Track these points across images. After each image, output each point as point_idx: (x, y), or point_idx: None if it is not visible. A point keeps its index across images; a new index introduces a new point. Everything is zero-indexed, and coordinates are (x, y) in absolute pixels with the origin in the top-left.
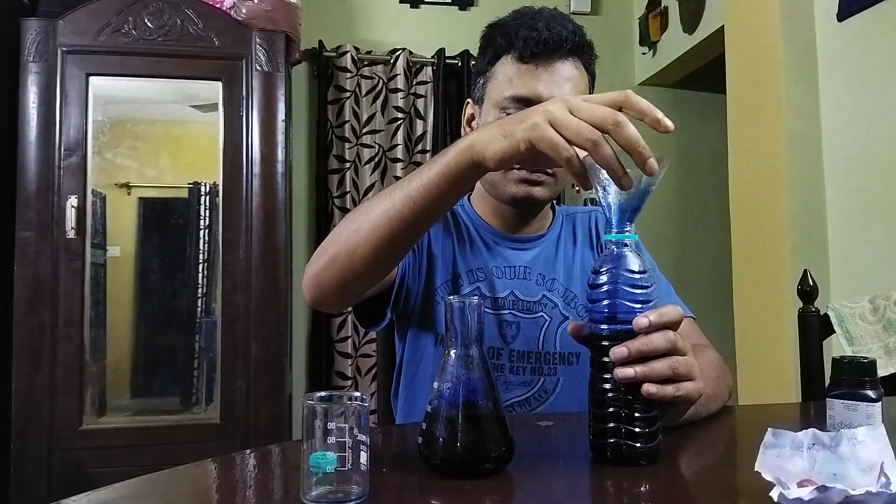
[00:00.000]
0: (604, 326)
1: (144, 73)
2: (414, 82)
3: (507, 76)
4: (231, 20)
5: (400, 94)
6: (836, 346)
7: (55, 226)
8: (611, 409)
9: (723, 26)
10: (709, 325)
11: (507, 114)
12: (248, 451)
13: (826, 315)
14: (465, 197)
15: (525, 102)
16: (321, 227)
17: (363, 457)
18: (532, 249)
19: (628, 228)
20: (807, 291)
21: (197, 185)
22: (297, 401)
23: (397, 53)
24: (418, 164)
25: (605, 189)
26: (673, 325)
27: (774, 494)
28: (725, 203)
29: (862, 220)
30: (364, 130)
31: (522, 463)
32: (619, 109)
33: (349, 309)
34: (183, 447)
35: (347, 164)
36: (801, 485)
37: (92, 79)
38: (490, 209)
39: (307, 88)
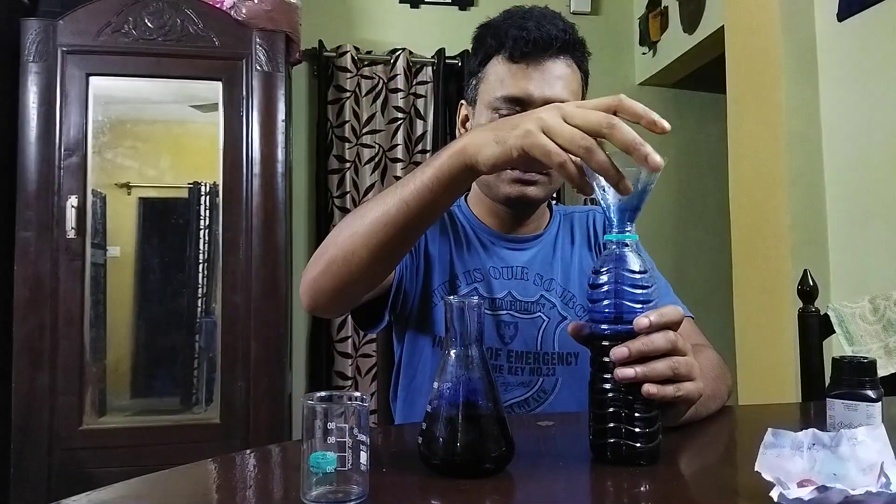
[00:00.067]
0: (604, 326)
1: (144, 73)
2: (414, 82)
3: (498, 77)
4: (231, 20)
5: (400, 94)
6: (836, 346)
7: (55, 226)
8: (611, 409)
9: (723, 26)
10: (709, 325)
11: (500, 114)
12: (248, 451)
13: (826, 315)
14: (462, 198)
15: (516, 102)
16: (321, 227)
17: (363, 457)
18: (529, 249)
19: (629, 228)
20: (807, 291)
21: (197, 185)
22: (297, 401)
23: (397, 53)
24: (418, 164)
25: (604, 189)
26: (673, 326)
27: (774, 494)
28: (725, 203)
29: (862, 220)
30: (364, 130)
31: (522, 463)
32: (614, 114)
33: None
34: (183, 447)
35: (347, 164)
36: (801, 485)
37: (92, 79)
38: (486, 209)
39: (307, 88)
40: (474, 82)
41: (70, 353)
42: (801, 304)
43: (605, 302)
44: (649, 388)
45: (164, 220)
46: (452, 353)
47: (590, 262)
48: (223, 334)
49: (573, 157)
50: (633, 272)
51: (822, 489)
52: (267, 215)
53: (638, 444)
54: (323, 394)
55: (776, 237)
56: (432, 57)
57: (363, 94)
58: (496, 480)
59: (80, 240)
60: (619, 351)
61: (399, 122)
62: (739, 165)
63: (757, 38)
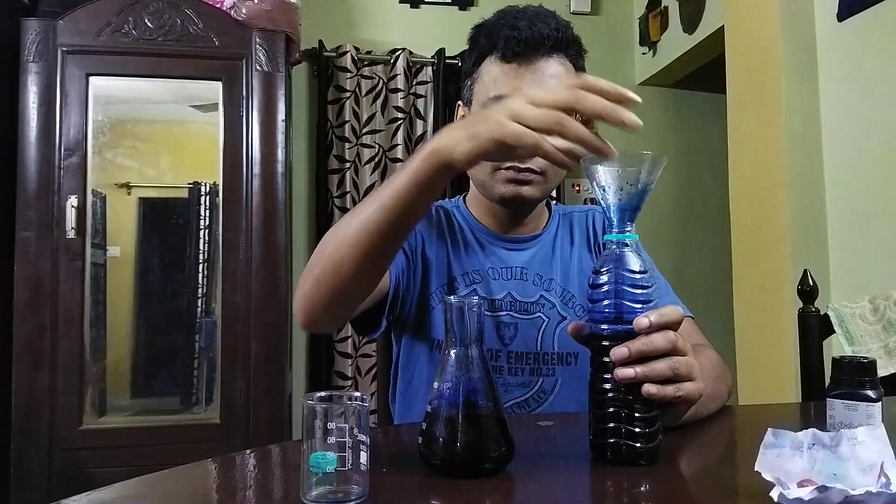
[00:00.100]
0: (604, 326)
1: (144, 73)
2: (414, 82)
3: (491, 77)
4: (231, 20)
5: (400, 94)
6: (836, 346)
7: (55, 226)
8: (611, 409)
9: (723, 26)
10: (709, 325)
11: None
12: (248, 451)
13: (826, 315)
14: (461, 198)
15: None
16: (321, 227)
17: (363, 457)
18: (528, 250)
19: (629, 228)
20: (807, 291)
21: (197, 185)
22: (297, 401)
23: (397, 53)
24: None
25: (604, 189)
26: (673, 326)
27: (774, 494)
28: (725, 203)
29: (862, 220)
30: (364, 130)
31: (522, 463)
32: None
33: None
34: (183, 447)
35: (347, 164)
36: (801, 485)
37: (92, 79)
38: (484, 210)
39: (307, 88)
40: (469, 83)
41: (70, 353)
42: (801, 304)
43: (605, 302)
44: (649, 388)
45: (164, 220)
46: (452, 353)
47: (589, 262)
48: (223, 334)
49: (555, 142)
50: (633, 272)
51: (822, 489)
52: (267, 215)
53: (638, 444)
54: (323, 394)
55: (776, 237)
56: (432, 57)
57: (363, 94)
58: (496, 480)
59: (80, 240)
60: (619, 351)
61: (399, 122)
62: (739, 165)
63: (757, 37)
